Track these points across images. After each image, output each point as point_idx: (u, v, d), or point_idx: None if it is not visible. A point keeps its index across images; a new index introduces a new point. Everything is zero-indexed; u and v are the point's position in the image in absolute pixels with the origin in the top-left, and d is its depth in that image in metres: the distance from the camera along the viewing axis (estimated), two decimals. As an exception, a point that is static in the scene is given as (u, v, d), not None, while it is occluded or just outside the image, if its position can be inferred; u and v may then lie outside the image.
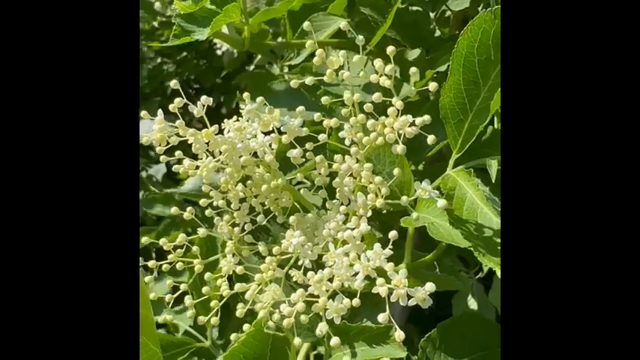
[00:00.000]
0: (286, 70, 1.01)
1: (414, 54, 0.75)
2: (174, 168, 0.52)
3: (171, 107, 0.49)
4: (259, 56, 1.33)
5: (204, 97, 0.48)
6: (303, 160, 0.49)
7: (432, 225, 0.50)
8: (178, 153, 0.51)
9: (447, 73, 0.52)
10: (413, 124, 0.45)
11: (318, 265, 0.48)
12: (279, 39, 1.05)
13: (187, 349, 0.61)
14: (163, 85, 1.82)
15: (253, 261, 0.53)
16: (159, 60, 1.81)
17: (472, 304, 0.70)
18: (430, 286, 0.42)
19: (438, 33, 0.78)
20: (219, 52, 1.44)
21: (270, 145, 0.48)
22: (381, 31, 0.71)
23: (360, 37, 0.46)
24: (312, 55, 0.85)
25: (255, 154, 0.49)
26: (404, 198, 0.46)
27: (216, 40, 1.46)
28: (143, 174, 1.36)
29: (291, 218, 0.49)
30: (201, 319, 0.48)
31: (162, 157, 0.52)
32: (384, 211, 0.56)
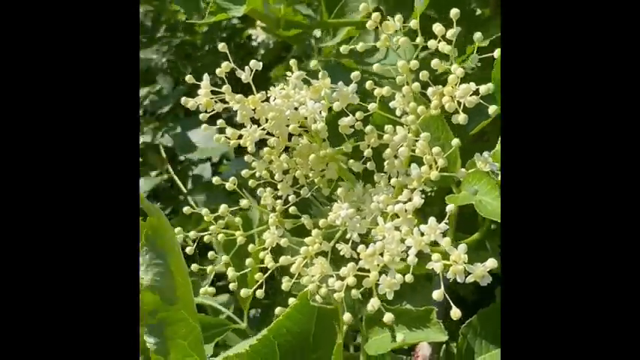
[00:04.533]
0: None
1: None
2: (215, 138, 0.48)
3: (218, 71, 0.44)
4: (295, 48, 1.28)
5: (253, 62, 0.44)
6: (352, 130, 0.45)
7: (480, 202, 0.46)
8: (220, 122, 0.47)
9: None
10: (475, 93, 0.40)
11: (363, 239, 0.44)
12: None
13: (224, 330, 0.58)
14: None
15: (292, 239, 0.49)
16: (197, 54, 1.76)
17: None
18: (492, 263, 0.38)
19: (478, 12, 0.73)
20: (254, 44, 1.40)
21: (320, 113, 0.43)
22: (419, 9, 0.66)
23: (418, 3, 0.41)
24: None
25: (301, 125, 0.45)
26: (462, 170, 0.42)
27: (252, 32, 1.42)
28: (189, 173, 1.35)
29: (339, 190, 0.44)
30: (245, 291, 0.44)
31: (204, 126, 0.48)
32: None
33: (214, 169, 1.40)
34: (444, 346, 0.59)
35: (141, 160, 1.53)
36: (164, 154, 1.23)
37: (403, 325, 0.44)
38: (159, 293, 0.39)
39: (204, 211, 0.47)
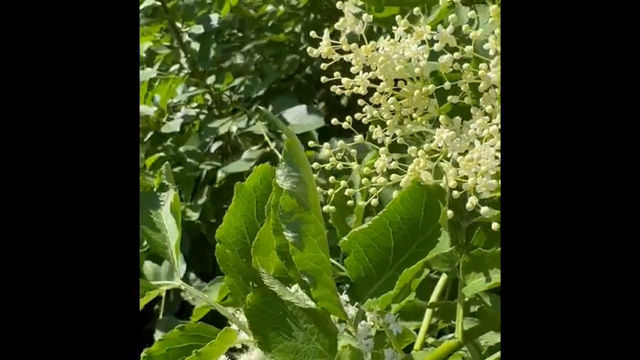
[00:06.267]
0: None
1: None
2: (332, 88, 0.57)
3: (336, 25, 0.54)
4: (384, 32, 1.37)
5: (365, 15, 0.53)
6: (451, 70, 0.53)
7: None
8: (337, 74, 0.57)
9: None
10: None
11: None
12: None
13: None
14: (294, 76, 1.92)
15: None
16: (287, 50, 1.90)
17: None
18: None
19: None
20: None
21: (422, 54, 0.52)
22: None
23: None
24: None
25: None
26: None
27: (338, 27, 1.53)
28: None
29: (441, 117, 0.52)
30: (362, 202, 0.53)
31: (322, 78, 0.58)
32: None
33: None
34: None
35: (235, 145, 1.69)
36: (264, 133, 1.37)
37: (498, 268, 0.50)
38: (295, 198, 0.48)
39: (325, 145, 0.57)
